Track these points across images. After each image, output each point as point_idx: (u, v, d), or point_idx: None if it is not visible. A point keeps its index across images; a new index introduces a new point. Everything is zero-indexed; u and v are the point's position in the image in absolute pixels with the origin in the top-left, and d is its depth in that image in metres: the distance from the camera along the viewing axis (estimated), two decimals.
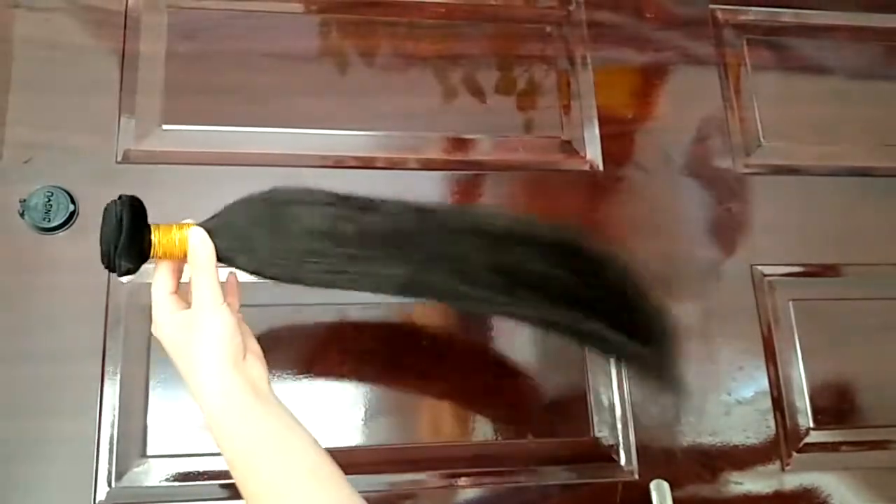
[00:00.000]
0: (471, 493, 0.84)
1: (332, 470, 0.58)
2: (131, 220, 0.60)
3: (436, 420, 0.86)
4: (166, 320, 0.61)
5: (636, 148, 1.00)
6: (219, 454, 0.77)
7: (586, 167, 0.98)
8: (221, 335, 0.58)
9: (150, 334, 0.80)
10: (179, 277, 0.64)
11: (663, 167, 1.00)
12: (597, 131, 0.99)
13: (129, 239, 0.59)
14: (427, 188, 0.93)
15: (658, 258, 0.96)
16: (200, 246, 0.60)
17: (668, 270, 0.96)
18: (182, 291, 0.63)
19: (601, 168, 0.98)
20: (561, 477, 0.86)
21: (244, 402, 0.58)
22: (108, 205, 0.61)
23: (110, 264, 0.60)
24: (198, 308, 0.59)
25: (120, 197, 0.61)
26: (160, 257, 0.61)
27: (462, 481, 0.84)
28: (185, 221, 0.63)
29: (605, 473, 0.87)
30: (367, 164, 0.92)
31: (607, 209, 0.97)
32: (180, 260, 0.62)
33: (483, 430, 0.86)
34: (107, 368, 0.80)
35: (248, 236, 0.63)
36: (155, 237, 0.60)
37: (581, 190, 0.97)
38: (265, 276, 0.63)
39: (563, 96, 1.00)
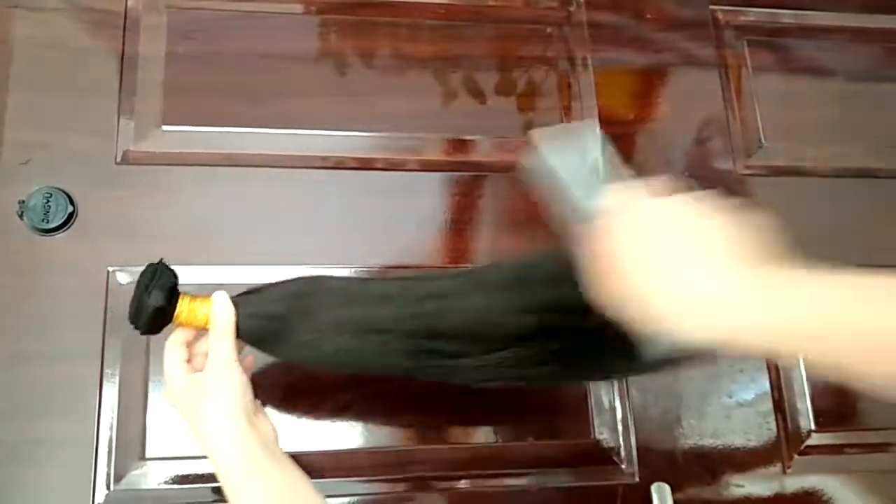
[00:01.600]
0: (471, 495, 0.84)
1: None
2: (160, 286, 0.64)
3: (436, 422, 0.85)
4: (179, 384, 0.63)
5: (637, 149, 0.99)
6: None
7: None
8: (234, 395, 0.61)
9: (149, 336, 0.80)
10: (192, 346, 0.66)
11: (664, 169, 0.99)
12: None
13: (151, 307, 0.63)
14: (427, 189, 0.93)
15: None
16: (223, 310, 0.64)
17: None
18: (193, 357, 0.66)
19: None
20: (561, 479, 0.86)
21: (257, 461, 0.60)
22: (145, 268, 0.66)
23: (134, 318, 0.64)
24: (211, 369, 0.62)
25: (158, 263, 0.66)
26: (181, 323, 0.65)
27: (462, 484, 0.84)
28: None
29: (605, 476, 0.87)
30: (366, 165, 0.92)
31: None
32: (201, 328, 0.65)
33: (483, 432, 0.86)
34: (105, 370, 0.80)
35: (276, 318, 0.65)
36: (182, 304, 0.64)
37: None
38: (285, 358, 0.68)
39: (563, 97, 1.00)
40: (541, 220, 0.93)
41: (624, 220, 0.53)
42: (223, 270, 0.84)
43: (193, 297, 0.65)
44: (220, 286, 0.81)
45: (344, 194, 0.90)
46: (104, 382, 0.79)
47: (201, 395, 0.62)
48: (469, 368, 0.65)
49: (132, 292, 0.64)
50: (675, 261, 0.49)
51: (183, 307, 0.64)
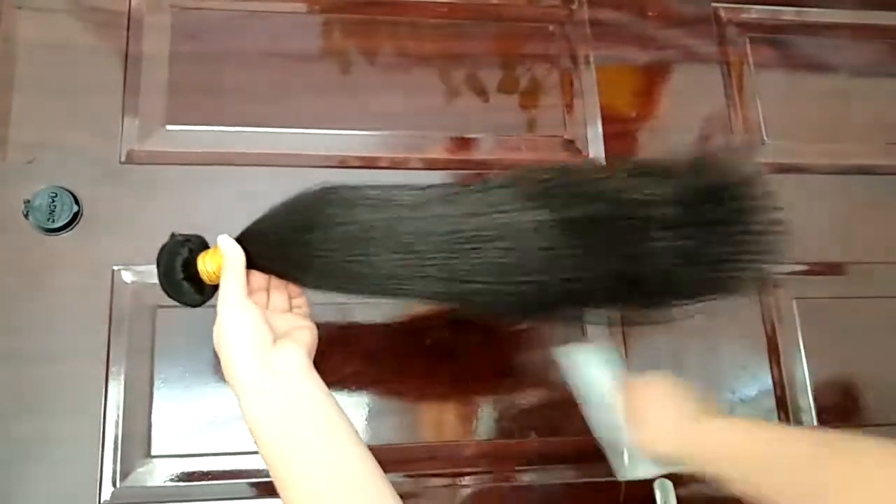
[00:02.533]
0: (474, 491, 0.84)
1: (364, 464, 0.56)
2: (168, 274, 0.66)
3: (439, 419, 0.86)
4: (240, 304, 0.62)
5: (639, 147, 1.00)
6: (223, 454, 0.79)
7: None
8: (241, 328, 0.60)
9: (154, 333, 0.81)
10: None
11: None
12: (600, 130, 0.99)
13: (176, 287, 0.65)
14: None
15: None
16: (227, 250, 0.64)
17: None
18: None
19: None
20: (565, 475, 0.86)
21: (271, 394, 0.58)
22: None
23: (176, 298, 0.67)
24: (221, 305, 0.62)
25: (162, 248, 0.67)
26: (213, 279, 0.65)
27: (466, 480, 0.84)
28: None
29: (609, 472, 0.87)
30: (370, 163, 0.92)
31: None
32: None
33: (487, 428, 0.86)
34: (111, 368, 0.80)
35: (286, 242, 0.65)
36: (202, 263, 0.65)
37: None
38: (306, 285, 0.66)
39: (565, 95, 1.00)
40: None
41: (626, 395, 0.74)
42: None
43: (204, 253, 0.66)
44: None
45: None
46: (109, 380, 0.80)
47: (216, 330, 0.61)
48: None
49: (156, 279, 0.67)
50: (652, 415, 0.71)
51: (204, 266, 0.65)
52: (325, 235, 0.63)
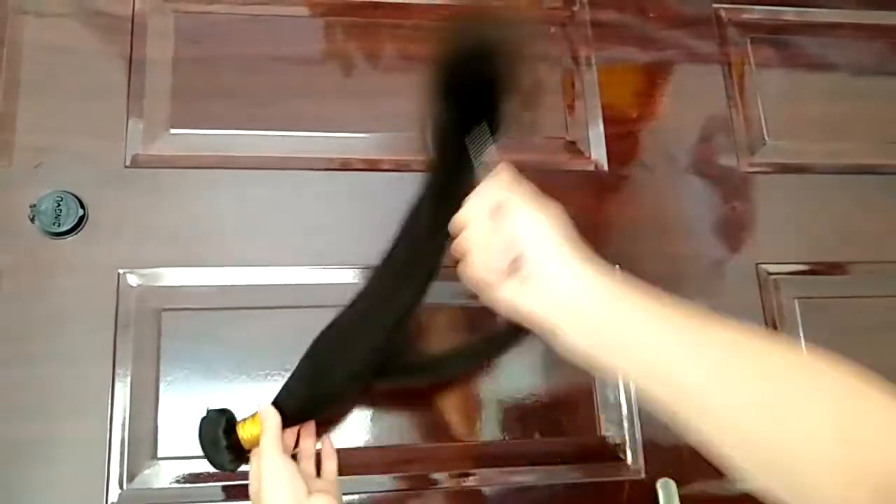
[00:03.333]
0: (477, 492, 0.85)
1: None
2: (214, 443, 0.72)
3: (442, 419, 0.86)
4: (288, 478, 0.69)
5: (641, 147, 1.00)
6: None
7: (591, 167, 0.98)
8: (281, 477, 0.68)
9: (160, 336, 0.82)
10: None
11: (668, 166, 1.00)
12: (601, 131, 0.99)
13: (220, 454, 0.71)
14: None
15: (663, 257, 0.96)
16: (266, 416, 0.71)
17: (673, 269, 0.96)
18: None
19: (606, 168, 0.98)
20: (568, 476, 0.87)
21: None
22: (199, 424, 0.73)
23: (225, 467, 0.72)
24: (262, 459, 0.69)
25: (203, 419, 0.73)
26: (250, 447, 0.72)
27: (469, 480, 0.84)
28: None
29: (611, 472, 0.88)
30: (372, 166, 0.93)
31: (612, 209, 0.97)
32: None
33: (490, 429, 0.87)
34: (117, 371, 0.81)
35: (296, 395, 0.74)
36: (242, 432, 0.72)
37: (586, 190, 0.97)
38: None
39: (567, 96, 1.00)
40: None
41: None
42: (232, 272, 0.86)
43: (243, 421, 0.72)
44: (229, 288, 0.83)
45: (350, 195, 0.91)
46: (116, 382, 0.80)
47: (256, 483, 0.69)
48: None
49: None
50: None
51: (244, 434, 0.72)
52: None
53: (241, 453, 0.71)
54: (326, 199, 0.91)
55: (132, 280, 0.84)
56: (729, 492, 0.89)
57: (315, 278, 0.87)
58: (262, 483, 0.68)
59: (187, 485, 0.79)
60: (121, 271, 0.84)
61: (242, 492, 0.79)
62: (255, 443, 0.71)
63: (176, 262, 0.85)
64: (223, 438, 0.70)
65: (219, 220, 0.87)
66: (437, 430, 0.86)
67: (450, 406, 0.87)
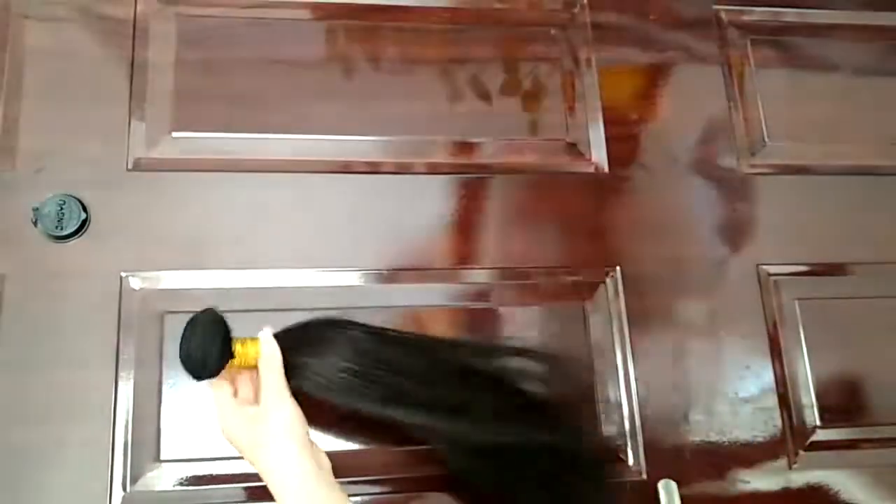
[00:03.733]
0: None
1: None
2: (224, 332, 0.69)
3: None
4: (233, 417, 0.69)
5: (641, 149, 1.00)
6: (233, 458, 0.79)
7: (591, 169, 0.98)
8: (291, 423, 0.67)
9: (163, 339, 0.82)
10: (234, 383, 0.72)
11: (669, 168, 1.00)
12: (602, 133, 1.00)
13: (208, 348, 0.67)
14: (433, 192, 0.94)
15: (664, 259, 0.97)
16: (270, 347, 0.70)
17: (674, 271, 0.96)
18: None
19: (606, 170, 0.98)
20: None
21: (314, 482, 0.65)
22: (196, 316, 0.69)
23: (200, 368, 0.68)
24: (267, 400, 0.68)
25: (205, 311, 0.70)
26: (235, 365, 0.70)
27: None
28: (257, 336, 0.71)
29: (613, 473, 0.88)
30: (374, 169, 0.93)
31: (613, 211, 0.97)
32: (251, 367, 0.71)
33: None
34: (120, 374, 0.81)
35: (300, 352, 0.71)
36: (235, 349, 0.69)
37: (586, 192, 0.97)
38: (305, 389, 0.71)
39: (567, 98, 1.01)
40: (546, 221, 0.95)
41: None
42: (235, 275, 0.86)
43: (243, 340, 0.70)
44: (231, 290, 0.83)
45: (351, 198, 0.92)
46: (119, 385, 0.81)
47: (258, 423, 0.67)
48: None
49: (185, 336, 0.68)
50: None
51: (237, 352, 0.69)
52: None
53: (223, 364, 0.68)
54: (329, 202, 0.91)
55: (135, 283, 0.84)
56: (730, 492, 0.89)
57: (318, 281, 0.88)
58: (267, 426, 0.66)
59: (191, 487, 0.79)
60: (123, 274, 0.84)
61: (254, 494, 0.80)
62: (243, 364, 0.69)
63: (178, 264, 0.86)
64: (220, 338, 0.68)
65: (221, 222, 0.88)
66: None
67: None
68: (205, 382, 0.69)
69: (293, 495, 0.64)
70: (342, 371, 0.70)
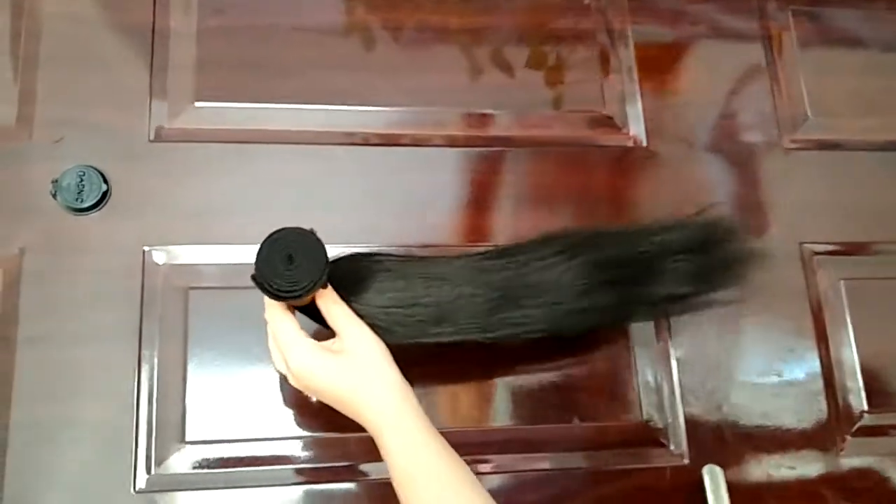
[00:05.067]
0: (514, 478, 0.81)
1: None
2: (316, 253, 0.62)
3: (477, 404, 0.83)
4: (310, 352, 0.63)
5: (680, 123, 0.97)
6: (261, 439, 0.76)
7: (629, 143, 0.95)
8: (381, 346, 0.63)
9: (187, 315, 0.79)
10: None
11: (708, 143, 0.96)
12: (639, 105, 0.96)
13: (325, 268, 0.62)
14: (456, 166, 0.91)
15: None
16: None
17: None
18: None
19: (644, 143, 0.95)
20: (609, 462, 0.83)
21: (416, 427, 0.61)
22: (302, 229, 0.63)
23: (306, 279, 0.62)
24: (347, 328, 0.63)
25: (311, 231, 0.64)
26: (296, 302, 0.65)
27: (503, 466, 0.81)
28: None
29: (653, 458, 0.85)
30: (392, 141, 0.89)
31: (650, 186, 0.94)
32: (298, 307, 0.67)
33: (526, 412, 0.84)
34: (143, 351, 0.78)
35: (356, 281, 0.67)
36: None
37: (623, 166, 0.94)
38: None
39: (603, 70, 0.97)
40: (578, 197, 0.92)
41: None
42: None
43: None
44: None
45: (373, 171, 0.88)
46: (142, 363, 0.77)
47: (341, 353, 0.62)
48: (551, 316, 0.72)
49: (261, 256, 0.62)
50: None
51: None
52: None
53: (320, 286, 0.62)
54: (349, 174, 0.87)
55: (158, 258, 0.81)
56: (774, 478, 0.86)
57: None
58: (356, 354, 0.62)
59: (218, 470, 0.76)
60: (146, 248, 0.81)
61: (279, 475, 0.76)
62: (300, 301, 0.64)
63: (203, 238, 0.82)
64: (326, 258, 0.61)
65: (246, 195, 0.84)
66: (471, 414, 0.83)
67: (485, 390, 0.83)
68: (274, 312, 0.64)
69: (406, 422, 0.61)
70: (387, 305, 0.66)
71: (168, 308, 0.80)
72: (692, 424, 0.85)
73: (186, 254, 0.82)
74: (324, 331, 0.67)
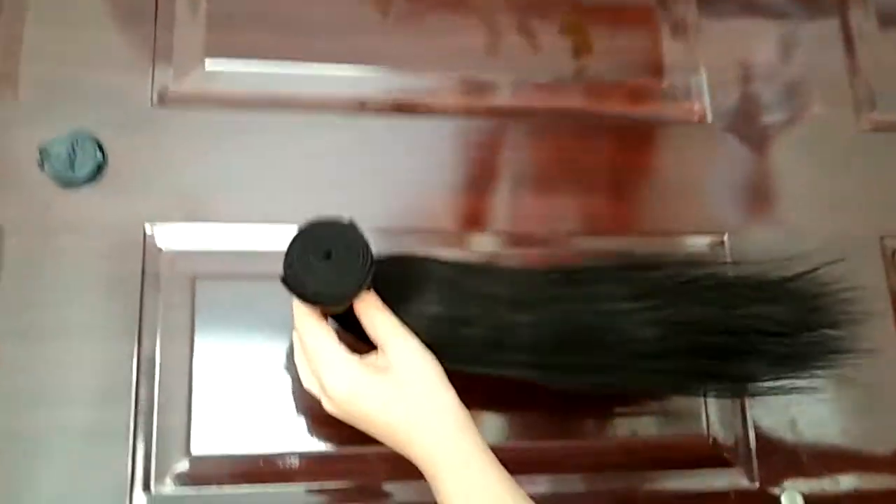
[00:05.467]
0: (562, 499, 0.71)
1: None
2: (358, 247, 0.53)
3: (524, 417, 0.73)
4: (352, 370, 0.52)
5: (750, 102, 0.86)
6: (277, 454, 0.66)
7: (694, 118, 0.84)
8: (433, 364, 0.53)
9: (194, 308, 0.68)
10: None
11: (779, 122, 0.86)
12: (704, 79, 0.85)
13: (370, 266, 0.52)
14: (514, 136, 0.80)
15: (772, 227, 0.83)
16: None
17: (784, 241, 0.82)
18: None
19: (710, 120, 0.84)
20: (671, 483, 0.73)
21: (479, 467, 0.52)
22: (340, 223, 0.53)
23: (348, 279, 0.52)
24: (393, 343, 0.53)
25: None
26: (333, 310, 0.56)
27: (552, 485, 0.72)
28: None
29: (717, 480, 0.75)
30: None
31: (714, 169, 0.83)
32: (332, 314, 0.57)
33: (578, 426, 0.74)
34: (143, 348, 0.67)
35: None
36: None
37: (685, 144, 0.83)
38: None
39: (665, 40, 0.86)
40: (618, 176, 0.81)
41: None
42: (281, 230, 0.72)
43: None
44: (275, 252, 0.70)
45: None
46: (141, 363, 0.67)
47: (387, 372, 0.52)
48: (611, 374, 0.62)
49: (290, 255, 0.53)
50: None
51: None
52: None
53: (363, 287, 0.52)
54: (393, 144, 0.77)
55: (161, 240, 0.70)
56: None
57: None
58: (404, 373, 0.52)
59: (228, 487, 0.66)
60: (148, 228, 0.70)
61: (293, 497, 0.66)
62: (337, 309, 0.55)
63: (214, 217, 0.72)
64: (371, 257, 0.52)
65: (264, 168, 0.74)
66: (518, 428, 0.73)
67: (532, 400, 0.73)
68: (306, 320, 0.54)
69: (467, 460, 0.51)
70: (437, 319, 0.56)
71: (172, 298, 0.69)
72: (763, 442, 0.75)
73: (195, 236, 0.71)
74: (356, 343, 0.57)
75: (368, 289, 0.54)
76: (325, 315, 0.56)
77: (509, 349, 0.58)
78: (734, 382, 0.66)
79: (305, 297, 0.51)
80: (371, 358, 0.54)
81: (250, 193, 0.73)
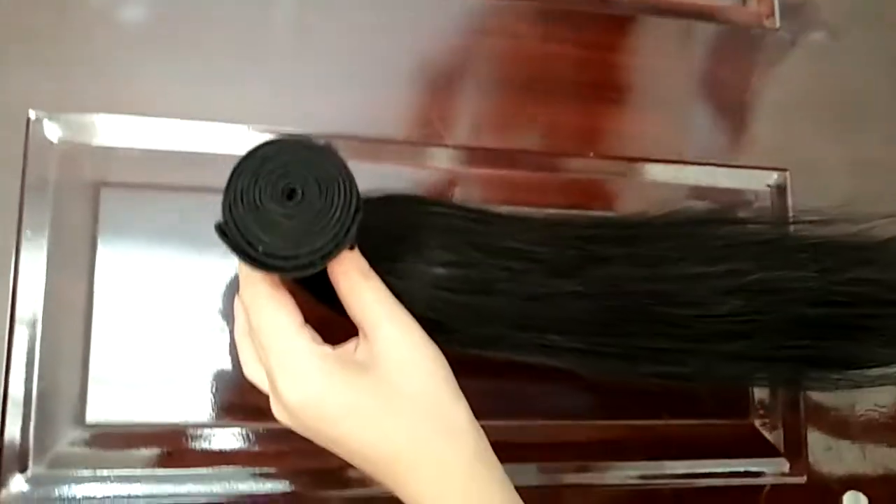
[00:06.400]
0: (591, 491, 0.58)
1: None
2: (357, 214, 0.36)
3: (546, 395, 0.58)
4: (328, 379, 0.36)
5: (824, 6, 0.70)
6: (203, 424, 0.50)
7: (761, 21, 0.68)
8: (447, 380, 0.38)
9: (96, 223, 0.51)
10: None
11: (859, 33, 0.70)
12: None
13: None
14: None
15: (844, 158, 0.68)
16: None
17: (858, 176, 0.67)
18: None
19: (777, 25, 0.68)
20: (703, 473, 0.60)
21: (490, 459, 0.38)
22: (309, 147, 0.36)
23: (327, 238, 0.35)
24: (388, 339, 0.37)
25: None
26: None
27: (581, 474, 0.58)
28: None
29: (761, 472, 0.61)
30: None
31: (780, 79, 0.68)
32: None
33: (601, 407, 0.59)
34: (20, 280, 0.49)
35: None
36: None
37: (748, 50, 0.68)
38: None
39: None
40: (670, 85, 0.65)
41: None
42: (211, 127, 0.54)
43: None
44: (204, 155, 0.52)
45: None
46: (17, 301, 0.49)
47: (380, 380, 0.36)
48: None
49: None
50: None
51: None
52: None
53: (343, 248, 0.36)
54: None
55: (51, 132, 0.51)
56: None
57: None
58: (392, 370, 0.37)
59: (135, 469, 0.49)
60: (32, 115, 0.51)
61: (225, 475, 0.50)
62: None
63: (123, 107, 0.53)
64: (358, 201, 0.36)
65: (189, 37, 0.55)
66: (541, 408, 0.58)
67: (557, 379, 0.57)
68: (257, 291, 0.37)
69: (483, 498, 0.36)
70: (443, 285, 0.40)
71: (65, 212, 0.51)
72: (812, 434, 0.63)
73: (96, 128, 0.52)
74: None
75: (351, 248, 0.37)
76: (287, 283, 0.39)
77: (543, 328, 0.43)
78: (839, 368, 0.51)
79: (253, 260, 0.34)
80: (348, 348, 0.39)
81: (174, 72, 0.54)
